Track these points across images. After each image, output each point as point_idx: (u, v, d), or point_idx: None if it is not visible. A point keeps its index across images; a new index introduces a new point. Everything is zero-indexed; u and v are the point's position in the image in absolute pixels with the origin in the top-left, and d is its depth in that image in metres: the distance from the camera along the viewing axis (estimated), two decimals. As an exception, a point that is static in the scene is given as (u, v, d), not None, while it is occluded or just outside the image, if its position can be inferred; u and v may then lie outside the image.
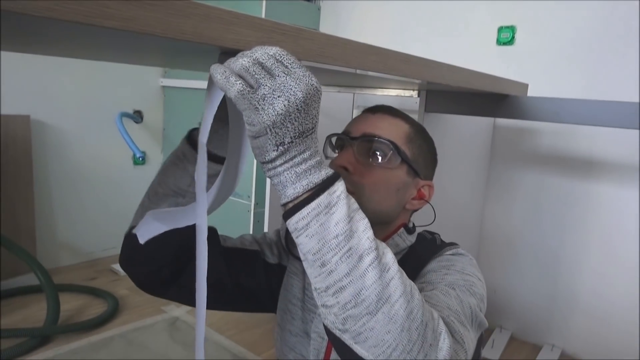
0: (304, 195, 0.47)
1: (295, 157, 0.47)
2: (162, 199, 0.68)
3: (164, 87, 2.78)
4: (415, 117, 1.40)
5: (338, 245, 0.47)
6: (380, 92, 1.48)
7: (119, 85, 2.62)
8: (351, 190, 0.66)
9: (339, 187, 0.48)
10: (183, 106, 2.67)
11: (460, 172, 1.79)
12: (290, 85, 0.44)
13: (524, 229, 2.03)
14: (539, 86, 1.75)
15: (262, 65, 0.45)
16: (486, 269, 2.12)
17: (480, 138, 1.91)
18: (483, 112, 1.34)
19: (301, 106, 0.45)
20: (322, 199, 0.47)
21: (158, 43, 0.46)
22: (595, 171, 1.84)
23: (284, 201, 0.49)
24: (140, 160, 2.68)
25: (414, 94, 1.36)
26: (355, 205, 0.50)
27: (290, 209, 0.48)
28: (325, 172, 0.49)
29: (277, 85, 0.44)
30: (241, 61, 0.44)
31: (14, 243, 2.05)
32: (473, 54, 2.06)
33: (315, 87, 0.46)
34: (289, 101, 0.44)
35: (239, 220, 2.28)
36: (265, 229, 2.01)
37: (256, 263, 0.80)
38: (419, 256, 0.74)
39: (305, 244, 0.48)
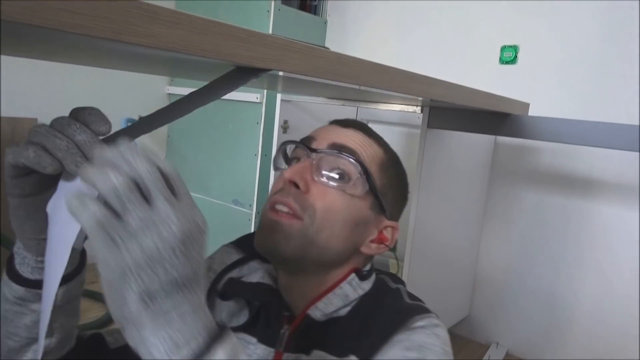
0: None
1: (168, 312, 0.35)
2: (24, 349, 0.50)
3: (169, 94, 2.81)
4: (417, 132, 1.43)
5: None
6: (383, 106, 1.51)
7: (126, 91, 2.65)
8: (299, 215, 0.56)
9: (219, 353, 0.36)
10: (188, 114, 2.69)
11: (461, 188, 1.81)
12: (169, 218, 0.35)
13: (523, 247, 2.04)
14: (541, 105, 1.77)
15: (140, 186, 0.35)
16: (484, 285, 2.13)
17: (481, 155, 1.93)
18: (485, 130, 1.36)
19: (178, 246, 0.35)
20: None
21: (176, 58, 0.49)
22: (596, 191, 1.86)
23: None
24: (143, 166, 2.70)
25: (417, 109, 1.39)
26: None
27: None
28: (209, 334, 0.37)
29: (151, 215, 0.34)
30: (113, 178, 0.34)
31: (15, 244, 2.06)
32: (476, 72, 2.09)
33: (199, 226, 0.37)
34: (161, 238, 0.34)
35: (240, 229, 2.29)
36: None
37: None
38: (384, 320, 0.57)
39: None
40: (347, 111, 2.03)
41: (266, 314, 0.60)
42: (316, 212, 0.56)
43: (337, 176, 0.58)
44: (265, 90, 2.16)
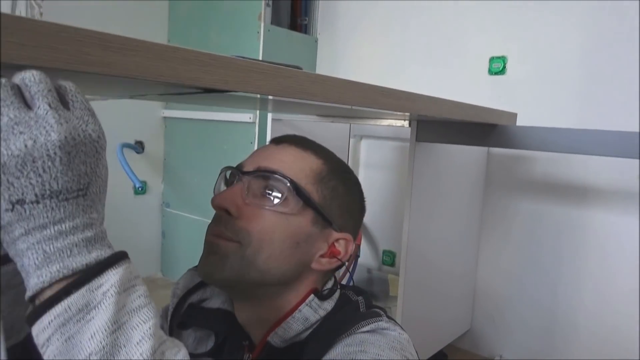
0: (53, 290, 0.33)
1: (45, 226, 0.33)
2: None
3: (165, 117, 2.83)
4: (406, 146, 1.43)
5: None
6: (373, 122, 1.51)
7: (121, 116, 2.67)
8: (235, 239, 0.55)
9: (112, 277, 0.34)
10: (183, 136, 2.71)
11: (455, 201, 1.81)
12: (47, 122, 0.33)
13: (522, 257, 2.02)
14: (532, 115, 1.77)
15: (21, 90, 0.34)
16: (485, 297, 2.11)
17: (474, 167, 1.93)
18: (474, 142, 1.36)
19: (56, 153, 0.33)
20: (76, 298, 0.32)
21: (143, 84, 0.49)
22: (592, 199, 1.85)
23: (27, 296, 0.33)
24: (140, 190, 2.71)
25: (405, 123, 1.39)
26: (139, 302, 0.35)
27: (32, 313, 0.33)
28: (98, 254, 0.35)
29: (26, 118, 0.32)
30: None
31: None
32: (466, 84, 2.10)
33: (90, 135, 0.35)
34: (35, 141, 0.32)
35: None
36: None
37: None
38: (328, 332, 0.56)
39: None
40: (340, 128, 2.04)
41: (230, 342, 0.59)
42: (250, 235, 0.54)
43: (267, 196, 0.56)
44: (257, 111, 2.17)
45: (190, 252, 2.59)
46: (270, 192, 0.56)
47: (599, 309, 1.86)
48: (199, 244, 0.56)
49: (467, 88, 2.08)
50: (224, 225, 0.55)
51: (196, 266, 0.66)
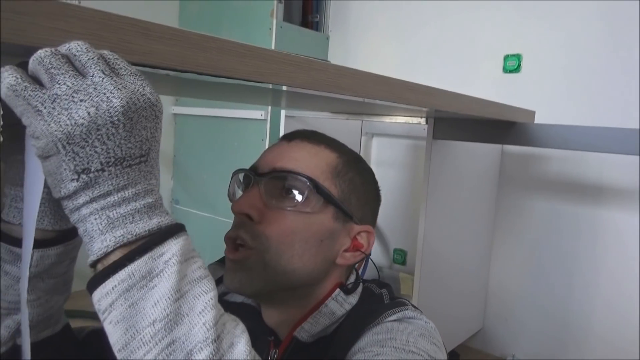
0: (116, 256, 0.33)
1: (109, 194, 0.33)
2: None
3: (175, 114, 2.83)
4: (423, 144, 1.42)
5: (154, 337, 0.32)
6: (388, 119, 1.51)
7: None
8: (251, 246, 0.54)
9: (173, 247, 0.34)
10: (193, 134, 2.71)
11: (469, 199, 1.80)
12: (106, 88, 0.32)
13: (534, 256, 2.01)
14: (547, 113, 1.76)
15: (70, 59, 0.32)
16: (497, 296, 2.10)
17: (488, 165, 1.92)
18: (491, 139, 1.35)
19: (120, 119, 0.32)
20: (139, 265, 0.33)
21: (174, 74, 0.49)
22: (607, 198, 1.83)
23: (91, 260, 0.34)
24: (151, 186, 2.72)
25: (422, 121, 1.38)
26: (200, 273, 0.35)
27: (94, 278, 0.34)
28: (159, 220, 0.35)
29: (83, 86, 0.32)
30: (40, 51, 0.32)
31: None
32: (480, 82, 2.08)
33: (149, 99, 0.34)
34: (97, 109, 0.31)
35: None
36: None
37: None
38: (354, 324, 0.55)
39: (110, 334, 0.33)
40: (352, 125, 2.04)
41: (255, 336, 0.59)
42: (269, 239, 0.53)
43: (287, 197, 0.54)
44: (269, 107, 2.17)
45: (199, 249, 2.54)
46: (290, 192, 0.54)
47: (613, 308, 1.84)
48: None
49: (482, 86, 2.06)
50: (244, 230, 0.54)
51: (217, 261, 0.67)
